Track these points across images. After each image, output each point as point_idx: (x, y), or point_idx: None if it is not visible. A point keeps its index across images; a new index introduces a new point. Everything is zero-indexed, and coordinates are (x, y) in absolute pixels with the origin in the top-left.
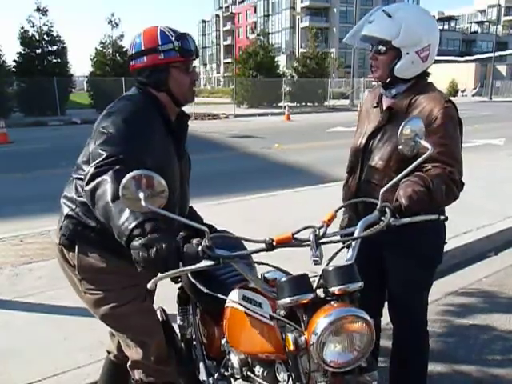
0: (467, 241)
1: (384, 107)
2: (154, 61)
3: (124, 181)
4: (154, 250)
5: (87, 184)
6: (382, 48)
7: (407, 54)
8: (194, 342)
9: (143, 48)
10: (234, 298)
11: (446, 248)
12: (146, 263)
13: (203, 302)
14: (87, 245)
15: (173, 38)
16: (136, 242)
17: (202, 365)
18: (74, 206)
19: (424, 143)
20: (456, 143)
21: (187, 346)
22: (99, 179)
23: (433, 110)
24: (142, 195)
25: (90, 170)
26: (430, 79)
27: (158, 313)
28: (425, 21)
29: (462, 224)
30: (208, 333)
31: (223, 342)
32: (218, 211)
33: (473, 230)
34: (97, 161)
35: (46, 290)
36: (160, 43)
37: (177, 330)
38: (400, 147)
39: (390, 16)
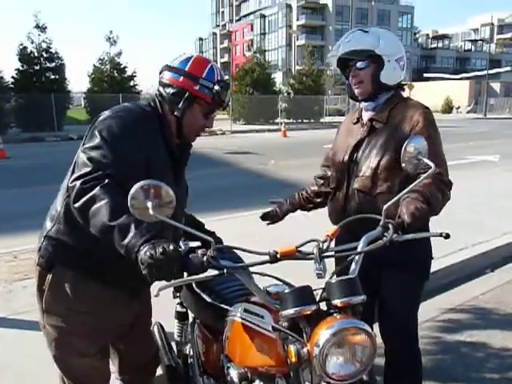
0: (464, 257)
1: (365, 120)
2: (187, 86)
3: (132, 191)
4: (161, 248)
5: (75, 201)
6: (363, 63)
7: (388, 61)
8: (191, 359)
9: (186, 69)
10: (235, 311)
11: (443, 265)
12: (152, 261)
13: (203, 316)
14: (65, 269)
15: (215, 80)
16: (143, 246)
17: (199, 381)
18: (55, 225)
19: (427, 161)
20: (439, 145)
21: (184, 363)
22: (88, 196)
23: (413, 116)
24: (150, 204)
25: (75, 184)
26: (426, 95)
27: (156, 328)
28: (394, 36)
29: (459, 240)
30: (206, 348)
31: (222, 356)
32: (214, 227)
33: (469, 247)
34: (82, 173)
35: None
36: (203, 76)
37: (174, 347)
38: (403, 165)
39: (366, 31)
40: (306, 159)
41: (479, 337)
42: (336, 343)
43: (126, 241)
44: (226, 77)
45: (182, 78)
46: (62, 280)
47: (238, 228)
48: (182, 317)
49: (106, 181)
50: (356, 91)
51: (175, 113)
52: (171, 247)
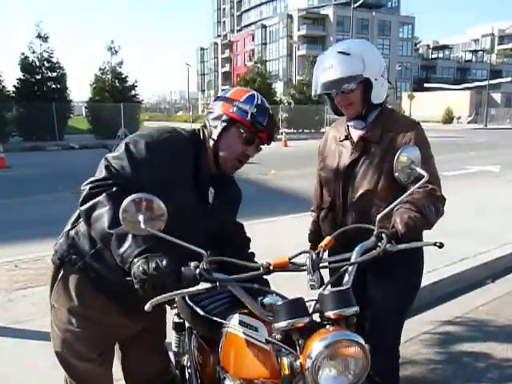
0: (464, 268)
1: (355, 139)
2: (225, 109)
3: (124, 204)
4: (154, 263)
5: (82, 204)
6: (351, 86)
7: (375, 80)
8: (189, 370)
9: (227, 95)
10: (230, 322)
11: (443, 275)
12: (145, 277)
13: (199, 328)
14: (73, 269)
15: (254, 104)
16: (137, 258)
17: None
18: (76, 226)
19: (420, 170)
20: (432, 161)
21: (182, 374)
22: (95, 201)
23: (406, 133)
24: (141, 218)
25: (85, 187)
26: (426, 106)
27: None
28: (372, 48)
29: (459, 251)
30: (203, 359)
31: (218, 368)
32: None
33: (469, 257)
34: (94, 178)
35: (39, 317)
36: (241, 100)
37: (172, 357)
38: (396, 174)
39: (347, 54)
40: (307, 169)
41: (480, 348)
42: (329, 355)
43: (122, 250)
44: (269, 107)
45: (221, 102)
46: (69, 280)
47: None
48: (179, 327)
49: (114, 189)
50: (345, 112)
51: (212, 135)
52: (164, 262)
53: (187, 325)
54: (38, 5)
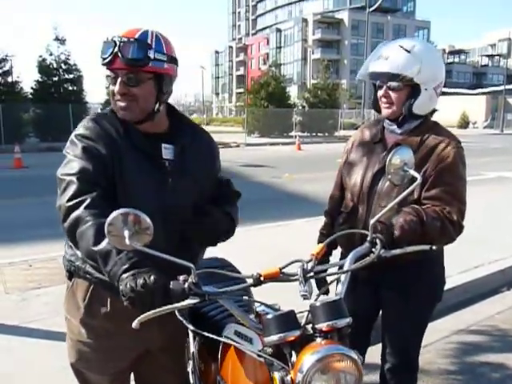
0: (479, 275)
1: (389, 144)
2: None
3: (110, 218)
4: (142, 280)
5: (63, 221)
6: (398, 85)
7: (425, 89)
8: (192, 376)
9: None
10: (226, 332)
11: (457, 283)
12: (133, 294)
13: (199, 336)
14: (78, 278)
15: (103, 45)
16: (125, 275)
17: None
18: None
19: (413, 173)
20: (463, 184)
21: (186, 380)
22: (75, 215)
23: (446, 149)
24: (126, 233)
25: (61, 203)
26: (442, 110)
27: None
28: (438, 57)
29: (474, 258)
30: (205, 367)
31: (218, 377)
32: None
33: (485, 264)
34: (62, 191)
35: (51, 317)
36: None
37: None
38: (389, 177)
39: (408, 51)
40: (320, 173)
41: (495, 357)
42: (320, 370)
43: (108, 268)
44: (123, 36)
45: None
46: (77, 289)
47: (249, 241)
48: None
49: (89, 200)
50: (384, 111)
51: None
52: (152, 278)
53: (190, 331)
54: (56, 4)
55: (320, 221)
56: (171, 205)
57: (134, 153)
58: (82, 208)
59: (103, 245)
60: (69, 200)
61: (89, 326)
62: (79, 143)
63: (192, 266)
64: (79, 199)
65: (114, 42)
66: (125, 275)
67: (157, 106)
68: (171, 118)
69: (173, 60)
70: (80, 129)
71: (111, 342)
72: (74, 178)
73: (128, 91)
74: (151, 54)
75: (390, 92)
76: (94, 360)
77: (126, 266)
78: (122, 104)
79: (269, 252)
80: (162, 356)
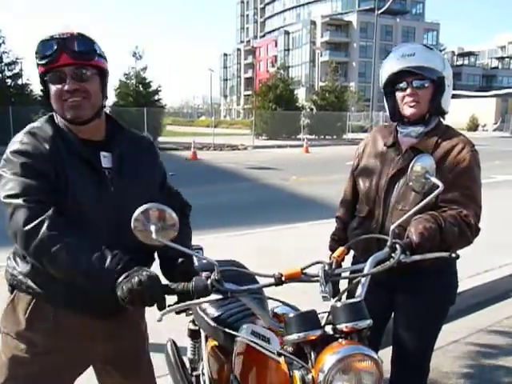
0: (489, 279)
1: (403, 147)
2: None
3: (136, 213)
4: (137, 279)
5: (26, 247)
6: (423, 82)
7: (448, 86)
8: (204, 377)
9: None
10: (242, 332)
11: (467, 286)
12: (131, 294)
13: (213, 336)
14: (21, 293)
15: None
16: (118, 280)
17: None
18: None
19: (435, 180)
20: (479, 187)
21: (197, 381)
22: (38, 240)
23: (461, 152)
24: (153, 228)
25: (16, 229)
26: (451, 112)
27: (169, 345)
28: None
29: (484, 262)
30: (217, 368)
31: (232, 377)
32: (234, 242)
33: (495, 269)
34: (10, 216)
35: None
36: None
37: (187, 364)
38: (410, 184)
39: (430, 49)
40: (328, 176)
41: (504, 362)
42: (341, 369)
43: (100, 286)
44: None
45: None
46: (18, 304)
47: (257, 243)
48: (194, 335)
49: (47, 221)
50: (409, 110)
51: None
52: (145, 274)
53: (202, 332)
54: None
55: (326, 224)
56: (117, 216)
57: (75, 163)
58: (43, 230)
59: (84, 265)
60: (25, 224)
61: (29, 340)
62: (17, 160)
63: (216, 263)
64: (36, 222)
65: (56, 38)
66: (119, 280)
67: (104, 101)
68: (107, 125)
69: (105, 58)
70: (15, 145)
71: (47, 359)
72: (20, 201)
73: (80, 87)
74: (97, 48)
75: (417, 90)
76: (25, 378)
77: (116, 274)
78: (75, 102)
79: (276, 255)
80: (112, 370)
